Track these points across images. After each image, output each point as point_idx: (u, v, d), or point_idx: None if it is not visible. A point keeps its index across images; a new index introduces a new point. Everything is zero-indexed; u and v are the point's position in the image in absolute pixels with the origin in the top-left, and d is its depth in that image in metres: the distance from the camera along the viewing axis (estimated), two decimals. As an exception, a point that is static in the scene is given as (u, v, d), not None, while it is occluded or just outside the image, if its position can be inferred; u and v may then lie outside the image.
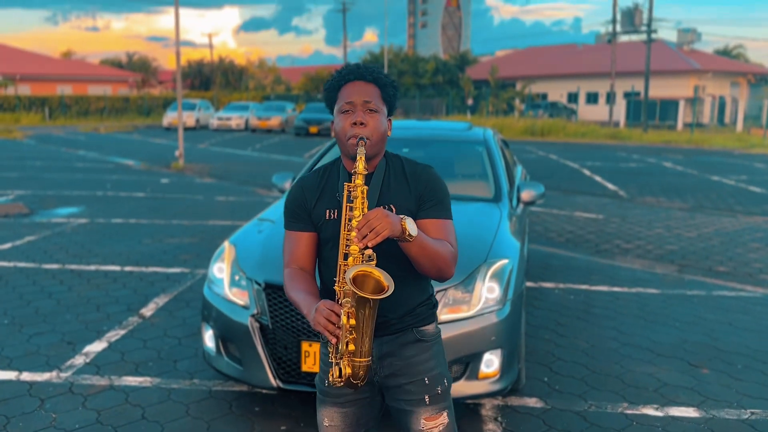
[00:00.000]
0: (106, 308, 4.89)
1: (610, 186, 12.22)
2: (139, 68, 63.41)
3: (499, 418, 3.28)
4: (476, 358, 3.04)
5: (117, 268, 6.01)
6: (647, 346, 4.25)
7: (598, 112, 39.33)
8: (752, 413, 3.35)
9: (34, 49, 60.88)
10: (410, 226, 1.63)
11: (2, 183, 11.74)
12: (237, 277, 3.35)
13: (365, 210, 1.67)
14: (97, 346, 4.17)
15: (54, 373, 3.77)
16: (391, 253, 1.72)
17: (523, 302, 3.48)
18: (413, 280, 1.84)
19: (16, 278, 5.64)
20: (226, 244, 3.64)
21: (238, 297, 3.28)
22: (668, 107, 35.72)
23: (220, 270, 3.47)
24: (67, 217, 8.56)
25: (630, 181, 12.95)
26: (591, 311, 4.94)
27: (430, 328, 1.91)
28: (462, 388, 3.06)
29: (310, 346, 3.01)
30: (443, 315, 3.02)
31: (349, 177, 1.80)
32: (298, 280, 1.84)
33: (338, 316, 1.60)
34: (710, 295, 5.41)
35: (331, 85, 1.85)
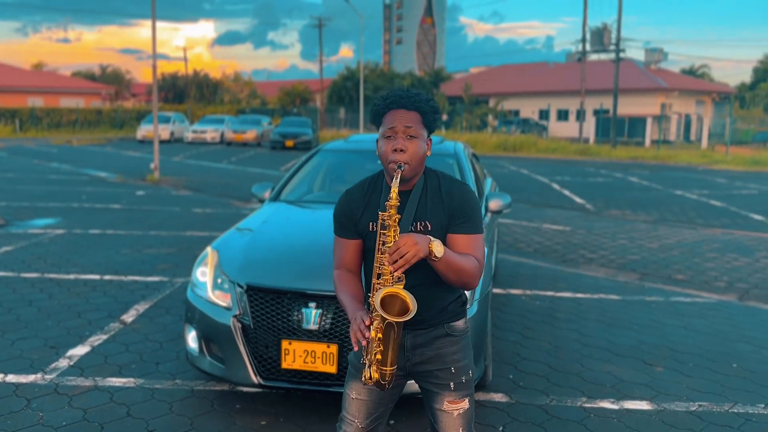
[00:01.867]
0: (87, 315, 5.01)
1: (578, 200, 12.61)
2: (113, 81, 62.99)
3: (467, 412, 3.50)
4: (445, 354, 3.26)
5: (96, 277, 6.12)
6: (606, 347, 4.51)
7: (569, 128, 40.18)
8: (699, 405, 3.62)
9: (4, 61, 60.00)
10: (437, 248, 1.82)
11: (-25, 194, 11.69)
12: (219, 281, 3.53)
13: (397, 237, 1.86)
14: (80, 350, 4.30)
15: (39, 375, 3.89)
16: (423, 263, 1.89)
17: (489, 304, 3.71)
18: (444, 285, 2.03)
19: (-5, 287, 5.72)
20: (209, 249, 3.82)
21: (221, 299, 3.45)
22: (636, 124, 36.65)
23: (203, 274, 3.65)
24: (43, 228, 8.61)
25: (597, 195, 13.37)
26: (555, 315, 5.20)
27: (460, 324, 2.13)
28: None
29: (290, 344, 3.20)
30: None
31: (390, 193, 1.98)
32: (345, 283, 2.09)
33: (367, 327, 1.84)
34: (668, 301, 5.72)
35: (376, 110, 2.06)
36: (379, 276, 1.91)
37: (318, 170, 5.03)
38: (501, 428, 3.33)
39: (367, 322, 1.85)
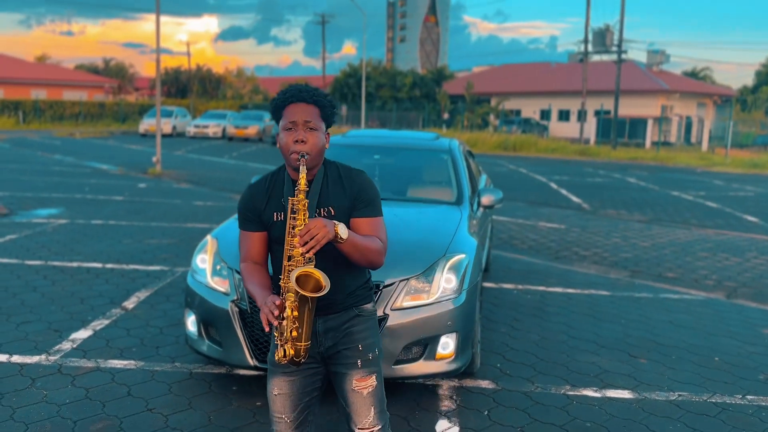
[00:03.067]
0: (89, 301, 5.15)
1: (575, 199, 12.75)
2: (116, 74, 63.17)
3: (455, 397, 3.64)
4: (434, 340, 3.40)
5: (99, 265, 6.26)
6: (593, 339, 4.65)
7: (570, 129, 40.29)
8: (679, 395, 3.76)
9: (7, 53, 60.12)
10: (342, 230, 1.96)
11: (-21, 184, 11.84)
12: (218, 267, 3.67)
13: (306, 220, 1.97)
14: (83, 334, 4.44)
15: (43, 357, 4.03)
16: (330, 248, 2.01)
17: (478, 294, 3.85)
18: (352, 269, 2.16)
19: (0, 273, 5.86)
20: (208, 237, 3.96)
21: (219, 285, 3.59)
22: (637, 126, 36.75)
23: (203, 261, 3.79)
24: (47, 217, 8.75)
25: (594, 194, 13.50)
26: (545, 309, 5.34)
27: (368, 306, 2.26)
28: (421, 367, 3.41)
29: (285, 328, 3.33)
30: (405, 302, 3.38)
31: (293, 184, 2.13)
32: (253, 274, 2.17)
33: (279, 308, 1.91)
34: (657, 297, 5.86)
35: (276, 104, 2.15)
36: (290, 258, 1.99)
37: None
38: (486, 412, 3.47)
39: (278, 303, 1.92)
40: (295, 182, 2.11)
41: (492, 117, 38.71)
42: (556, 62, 51.85)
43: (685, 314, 5.38)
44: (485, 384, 3.83)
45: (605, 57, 38.88)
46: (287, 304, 1.92)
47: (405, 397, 3.58)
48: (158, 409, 3.41)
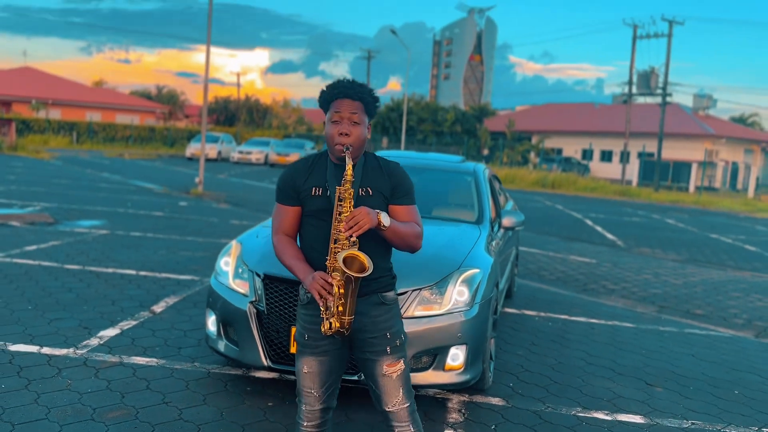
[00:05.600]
0: (120, 303, 5.36)
1: (609, 236, 12.61)
2: (167, 101, 65.31)
3: (463, 410, 3.67)
4: (443, 351, 3.45)
5: (133, 272, 6.49)
6: (610, 367, 4.62)
7: (612, 170, 39.84)
8: (692, 423, 3.70)
9: (68, 77, 62.96)
10: (384, 218, 2.18)
11: (29, 196, 12.39)
12: (240, 270, 3.81)
13: (352, 208, 2.19)
14: (110, 332, 4.62)
15: (71, 350, 4.22)
16: (369, 236, 2.23)
17: (492, 310, 3.89)
18: (379, 255, 2.33)
19: (39, 274, 6.14)
20: (233, 242, 4.12)
21: (240, 287, 3.73)
22: (681, 169, 36.13)
23: (226, 263, 3.94)
24: (89, 228, 9.11)
25: (629, 233, 13.33)
26: (566, 336, 5.32)
27: (391, 294, 2.40)
28: (430, 376, 3.46)
29: (299, 330, 3.43)
30: (417, 311, 3.45)
31: (335, 168, 2.33)
32: (288, 246, 2.37)
33: (330, 285, 2.15)
34: (681, 332, 5.76)
35: (324, 97, 2.34)
36: (335, 241, 2.20)
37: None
38: (493, 427, 3.49)
39: (330, 280, 2.15)
40: (337, 166, 2.32)
41: (532, 154, 38.61)
42: (600, 103, 51.59)
43: (708, 349, 5.28)
44: (495, 401, 3.84)
45: (649, 99, 38.60)
46: (334, 282, 2.15)
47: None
48: (174, 403, 3.53)
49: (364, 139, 2.31)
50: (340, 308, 2.16)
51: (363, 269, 2.12)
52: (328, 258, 2.21)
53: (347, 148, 2.24)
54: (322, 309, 2.20)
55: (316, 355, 2.34)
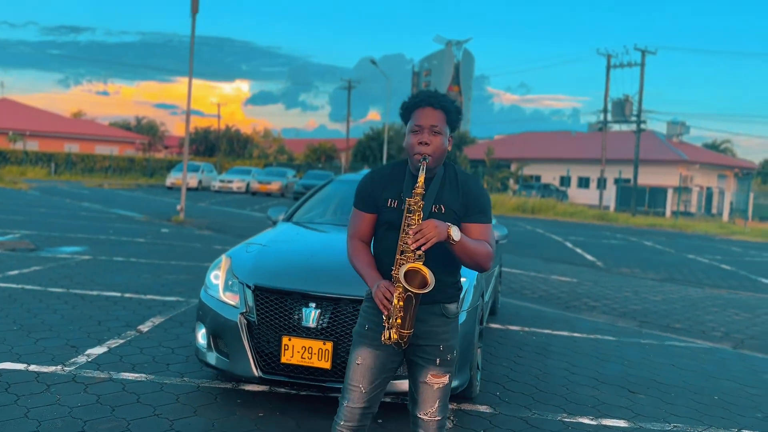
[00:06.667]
0: (106, 323, 5.35)
1: (589, 257, 12.80)
2: (147, 132, 65.20)
3: (452, 417, 3.73)
4: (432, 358, 3.52)
5: (118, 294, 6.48)
6: (594, 376, 4.71)
7: (589, 196, 40.44)
8: (675, 426, 3.80)
9: (46, 109, 62.71)
10: (454, 233, 2.14)
11: (9, 224, 12.28)
12: (230, 283, 3.87)
13: (420, 220, 2.18)
14: (98, 350, 4.62)
15: (59, 367, 4.21)
16: (438, 246, 2.18)
17: (478, 318, 3.97)
18: (448, 267, 2.33)
19: (23, 297, 6.11)
20: (223, 256, 4.18)
21: (230, 299, 3.78)
22: (657, 194, 36.79)
23: (216, 277, 3.99)
24: (71, 253, 9.06)
25: (609, 254, 13.55)
26: (549, 349, 5.41)
27: (453, 307, 2.38)
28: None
29: (290, 340, 3.49)
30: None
31: (413, 179, 2.29)
32: (361, 252, 2.39)
33: (392, 295, 2.15)
34: (662, 344, 5.89)
35: (406, 106, 2.34)
36: (402, 252, 2.19)
37: (330, 197, 5.42)
38: (482, 432, 3.55)
39: (392, 292, 2.15)
40: (415, 177, 2.27)
41: (511, 181, 39.10)
42: (576, 131, 52.53)
43: (688, 359, 5.41)
44: (483, 408, 3.91)
45: (624, 127, 39.42)
46: (396, 294, 2.14)
47: (402, 415, 3.66)
48: (165, 415, 3.55)
49: (444, 150, 2.29)
50: (398, 321, 2.15)
51: (425, 284, 2.10)
52: (394, 268, 2.20)
53: (425, 158, 2.21)
54: (385, 317, 2.20)
55: (373, 348, 2.31)
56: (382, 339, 2.20)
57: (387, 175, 2.40)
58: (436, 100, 2.28)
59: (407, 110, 2.33)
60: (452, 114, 2.31)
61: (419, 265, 2.13)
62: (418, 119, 2.27)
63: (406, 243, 2.16)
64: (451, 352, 2.34)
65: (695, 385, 4.66)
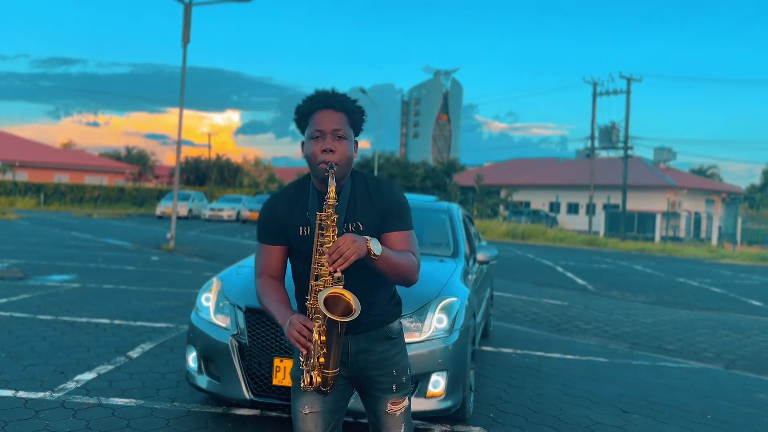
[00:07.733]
0: (96, 350, 5.30)
1: (580, 281, 12.84)
2: (137, 161, 65.08)
3: (445, 438, 3.70)
4: (425, 378, 3.51)
5: (107, 321, 6.43)
6: (587, 397, 4.70)
7: (579, 221, 40.66)
8: (668, 445, 3.79)
9: (35, 139, 62.70)
10: (375, 246, 1.82)
11: (-3, 253, 12.18)
12: (221, 305, 3.85)
13: (335, 237, 1.85)
14: (87, 376, 4.57)
15: (47, 393, 4.15)
16: (359, 264, 1.86)
17: (470, 338, 3.97)
18: (381, 285, 2.07)
19: (11, 324, 6.04)
20: (214, 278, 4.17)
21: (221, 321, 3.77)
22: (646, 220, 37.07)
23: (207, 299, 3.98)
24: (60, 282, 8.99)
25: (599, 278, 13.59)
26: (542, 370, 5.40)
27: (396, 324, 2.15)
28: (411, 404, 3.50)
29: (281, 362, 3.47)
30: (397, 339, 3.52)
31: (319, 196, 2.01)
32: (271, 290, 2.05)
33: (310, 331, 1.81)
34: (654, 365, 5.89)
35: (302, 111, 2.02)
36: (317, 278, 1.87)
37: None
38: (475, 453, 3.52)
39: (309, 326, 1.82)
40: (321, 194, 2.00)
41: (501, 207, 39.30)
42: (564, 158, 53.04)
43: (680, 379, 5.41)
44: (477, 429, 3.88)
45: (612, 153, 39.84)
46: (314, 327, 1.82)
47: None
48: (155, 439, 3.50)
49: (350, 157, 1.99)
50: (322, 359, 1.83)
51: (349, 311, 1.78)
52: (308, 298, 1.88)
53: (331, 167, 1.90)
54: (301, 360, 1.89)
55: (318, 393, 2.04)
56: (302, 385, 1.88)
57: (291, 197, 2.08)
58: (336, 100, 1.99)
59: (303, 115, 2.02)
60: (355, 114, 2.02)
61: (340, 289, 1.81)
62: (318, 124, 1.97)
63: (321, 265, 1.85)
64: (405, 373, 2.14)
65: (688, 404, 4.66)
